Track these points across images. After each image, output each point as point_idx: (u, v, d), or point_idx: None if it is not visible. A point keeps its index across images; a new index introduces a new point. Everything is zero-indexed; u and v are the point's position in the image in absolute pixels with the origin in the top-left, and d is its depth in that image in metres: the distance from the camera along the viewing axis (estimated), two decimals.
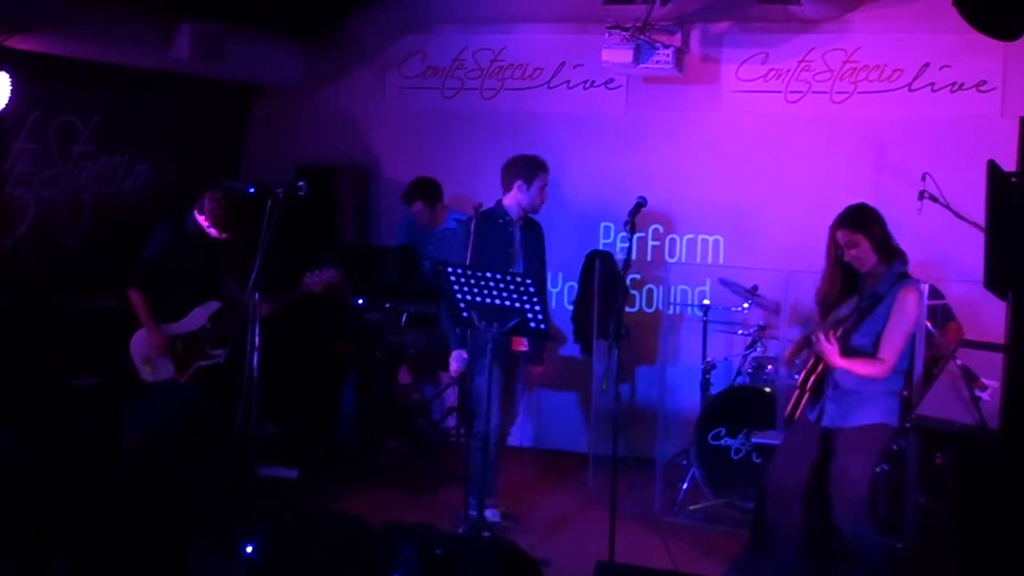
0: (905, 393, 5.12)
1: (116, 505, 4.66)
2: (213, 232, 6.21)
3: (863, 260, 4.90)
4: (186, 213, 6.27)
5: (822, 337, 4.77)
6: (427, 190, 7.25)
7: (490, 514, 5.98)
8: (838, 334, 4.78)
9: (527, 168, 5.99)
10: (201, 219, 6.20)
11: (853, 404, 4.91)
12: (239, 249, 6.22)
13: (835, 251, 4.94)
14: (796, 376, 5.17)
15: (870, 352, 4.84)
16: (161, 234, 6.26)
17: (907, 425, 5.11)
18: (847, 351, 4.82)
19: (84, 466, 5.26)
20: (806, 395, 4.98)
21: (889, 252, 4.93)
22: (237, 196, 6.49)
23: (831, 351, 4.76)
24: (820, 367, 4.94)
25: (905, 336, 4.83)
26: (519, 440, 7.52)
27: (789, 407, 5.03)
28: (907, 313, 4.82)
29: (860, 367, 4.82)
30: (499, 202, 6.06)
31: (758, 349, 6.61)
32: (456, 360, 5.93)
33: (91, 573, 4.45)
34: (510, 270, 5.75)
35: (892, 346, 4.80)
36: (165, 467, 5.60)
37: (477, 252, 5.78)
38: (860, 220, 4.91)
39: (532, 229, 6.13)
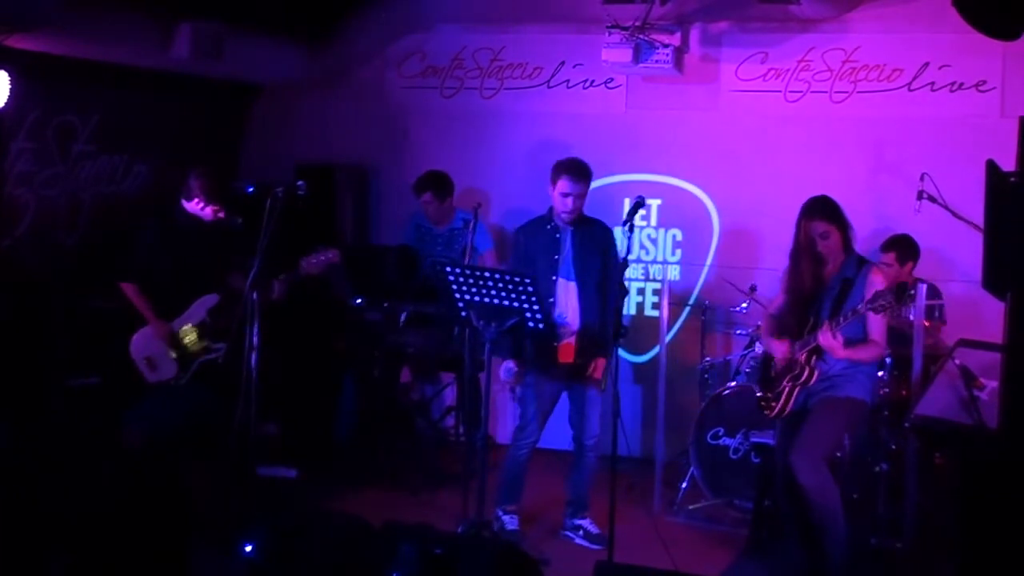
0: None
1: (116, 505, 4.65)
2: (208, 212, 6.02)
3: (833, 250, 5.04)
4: (174, 207, 6.11)
5: (826, 334, 4.85)
6: (438, 182, 7.24)
7: (508, 520, 5.94)
8: (834, 330, 4.86)
9: (553, 171, 5.76)
10: (193, 204, 6.02)
11: (840, 384, 5.04)
12: (245, 239, 6.13)
13: (807, 242, 5.04)
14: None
15: (861, 338, 4.99)
16: (147, 231, 6.11)
17: (906, 425, 5.13)
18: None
19: (84, 466, 5.25)
20: (793, 396, 5.06)
21: (850, 242, 5.11)
22: (219, 170, 6.35)
23: (836, 346, 4.87)
24: (804, 375, 5.00)
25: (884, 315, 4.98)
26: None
27: (776, 411, 5.11)
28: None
29: (862, 354, 4.98)
30: (550, 207, 5.85)
31: (757, 348, 6.60)
32: (505, 371, 5.75)
33: (91, 573, 4.45)
34: (552, 275, 5.68)
35: (878, 327, 4.97)
36: (165, 467, 5.59)
37: (521, 259, 5.74)
38: (834, 211, 5.06)
39: (588, 230, 5.80)
